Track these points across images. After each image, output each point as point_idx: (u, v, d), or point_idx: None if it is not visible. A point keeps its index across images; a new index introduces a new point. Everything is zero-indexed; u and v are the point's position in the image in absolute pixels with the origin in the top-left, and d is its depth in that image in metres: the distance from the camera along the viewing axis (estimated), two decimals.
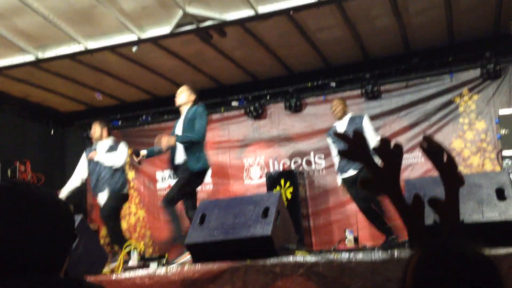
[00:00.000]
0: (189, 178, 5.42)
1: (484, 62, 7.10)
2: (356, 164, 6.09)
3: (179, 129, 5.61)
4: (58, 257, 1.27)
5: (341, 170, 6.35)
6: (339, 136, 1.15)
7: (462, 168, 7.12)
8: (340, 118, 6.48)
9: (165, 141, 5.36)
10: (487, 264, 1.15)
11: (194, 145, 5.42)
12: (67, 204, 1.34)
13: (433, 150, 1.26)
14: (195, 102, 5.70)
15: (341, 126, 6.43)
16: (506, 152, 5.64)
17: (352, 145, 1.15)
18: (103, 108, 8.96)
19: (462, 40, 7.18)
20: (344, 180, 6.33)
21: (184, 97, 5.70)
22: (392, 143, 1.17)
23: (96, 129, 6.66)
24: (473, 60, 7.25)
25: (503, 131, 5.73)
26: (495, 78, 7.16)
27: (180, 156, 5.49)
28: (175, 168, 5.61)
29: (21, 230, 1.21)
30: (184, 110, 5.70)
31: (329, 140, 6.65)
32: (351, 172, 6.22)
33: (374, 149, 1.15)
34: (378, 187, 1.17)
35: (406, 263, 1.16)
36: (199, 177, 5.54)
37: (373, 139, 6.05)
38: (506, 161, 5.56)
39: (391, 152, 1.16)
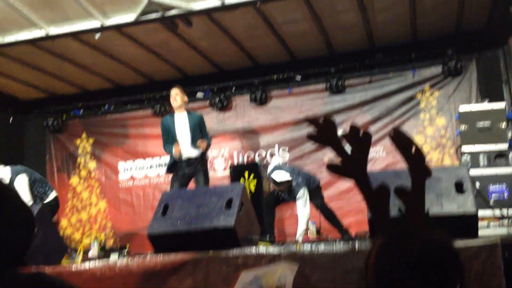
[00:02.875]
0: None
1: (446, 59, 7.25)
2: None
3: (184, 131, 6.05)
4: (17, 252, 1.22)
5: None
6: (308, 120, 1.15)
7: None
8: None
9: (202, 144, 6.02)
10: (450, 251, 1.16)
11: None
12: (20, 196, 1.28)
13: (402, 141, 1.27)
14: (186, 104, 6.23)
15: None
16: (465, 148, 5.77)
17: (321, 129, 1.15)
18: (64, 96, 8.74)
19: (425, 38, 7.31)
20: None
21: (179, 99, 6.10)
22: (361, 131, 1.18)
23: None
24: (435, 57, 7.39)
25: (462, 127, 5.86)
26: (456, 75, 7.32)
27: (191, 151, 6.03)
28: (188, 161, 6.04)
29: None
30: (179, 112, 6.10)
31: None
32: None
33: (344, 135, 1.15)
34: (346, 172, 1.18)
35: (368, 250, 1.16)
36: None
37: None
38: (465, 156, 5.68)
39: (360, 139, 1.17)
